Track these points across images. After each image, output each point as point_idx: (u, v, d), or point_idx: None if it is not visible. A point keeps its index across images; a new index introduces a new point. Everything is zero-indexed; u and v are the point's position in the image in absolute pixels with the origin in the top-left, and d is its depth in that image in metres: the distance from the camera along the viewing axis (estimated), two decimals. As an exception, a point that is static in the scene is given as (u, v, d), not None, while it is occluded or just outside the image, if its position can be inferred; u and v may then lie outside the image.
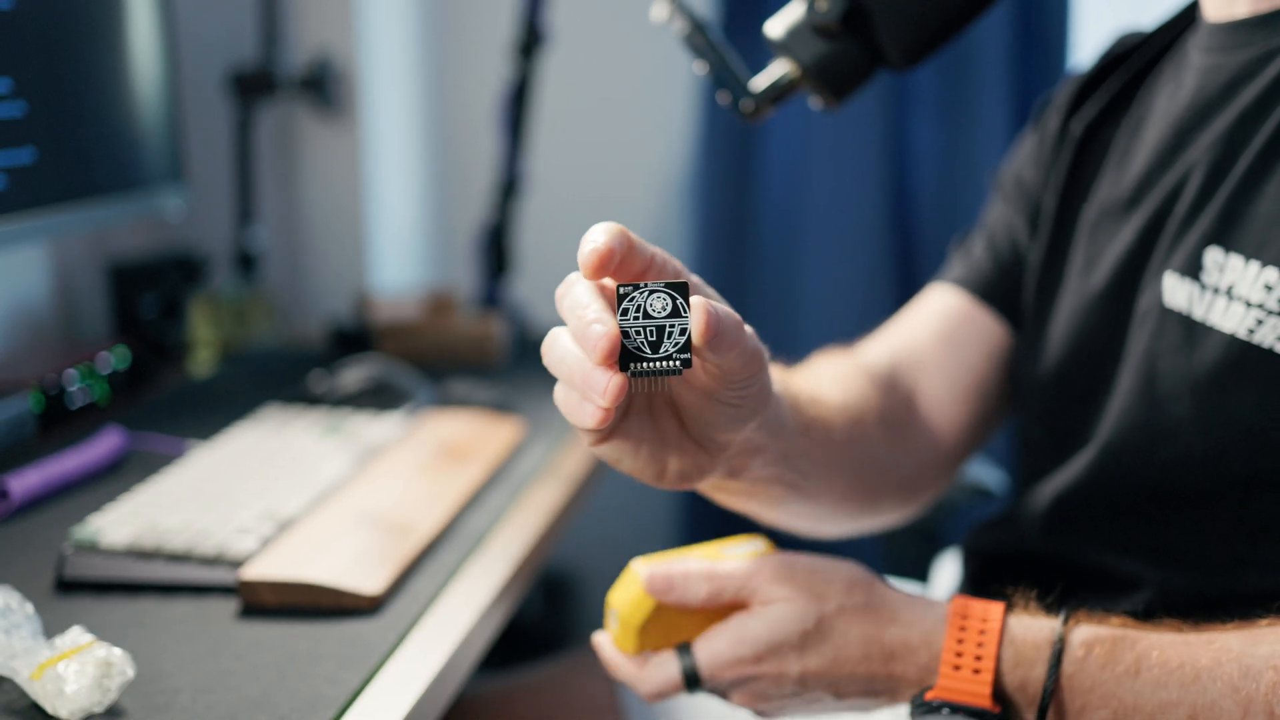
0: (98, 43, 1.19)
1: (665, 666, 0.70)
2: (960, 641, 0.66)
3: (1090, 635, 0.65)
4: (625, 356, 0.53)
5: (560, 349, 0.56)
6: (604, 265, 0.54)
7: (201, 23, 1.63)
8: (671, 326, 0.54)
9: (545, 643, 1.86)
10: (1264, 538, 0.73)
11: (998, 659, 0.65)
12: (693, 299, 0.54)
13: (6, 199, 1.03)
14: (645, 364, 0.53)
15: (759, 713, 0.71)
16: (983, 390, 0.95)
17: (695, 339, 0.53)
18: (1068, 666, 0.65)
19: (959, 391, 0.94)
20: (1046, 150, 0.95)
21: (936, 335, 0.96)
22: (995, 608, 0.67)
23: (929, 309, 0.98)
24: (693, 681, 0.70)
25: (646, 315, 0.54)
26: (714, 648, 0.69)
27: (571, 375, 0.55)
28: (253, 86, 1.56)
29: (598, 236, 0.54)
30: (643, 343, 0.54)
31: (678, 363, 0.54)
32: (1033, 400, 0.90)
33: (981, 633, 0.66)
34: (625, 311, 0.54)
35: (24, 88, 1.06)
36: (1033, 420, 0.91)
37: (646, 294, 0.54)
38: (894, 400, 0.92)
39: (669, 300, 0.54)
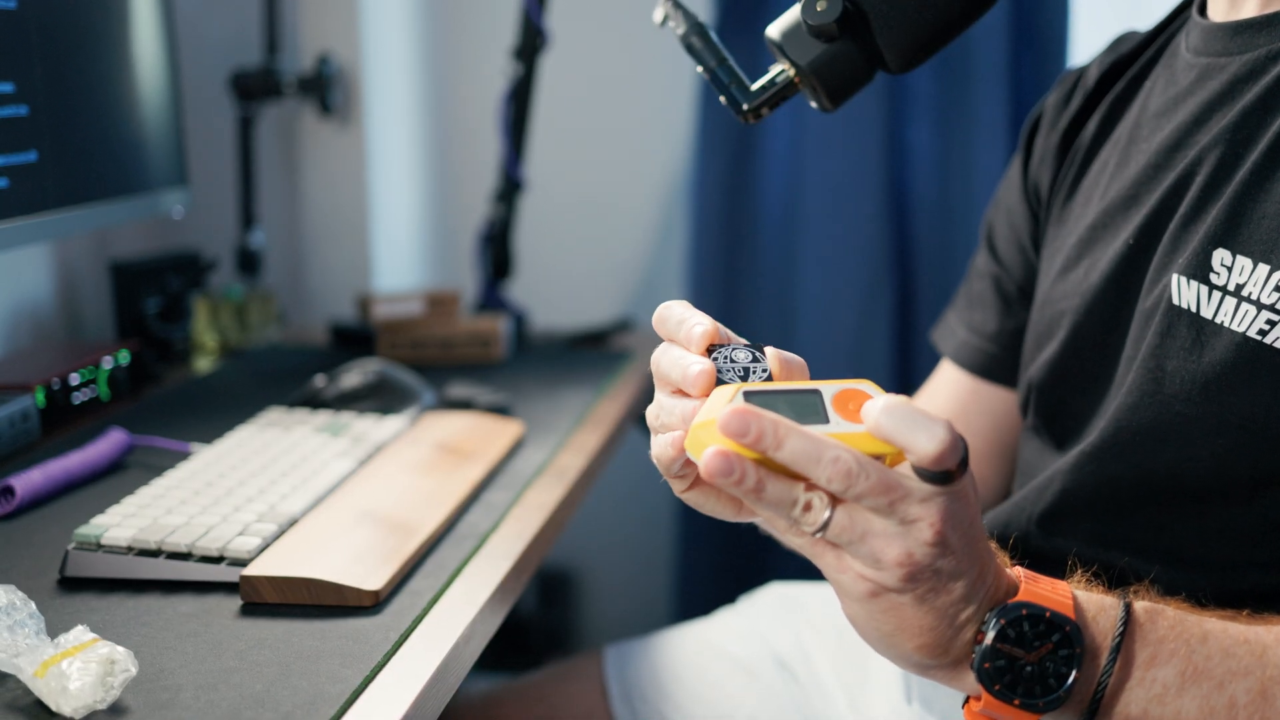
0: (101, 44, 1.19)
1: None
2: (1034, 577, 0.64)
3: (1153, 605, 0.65)
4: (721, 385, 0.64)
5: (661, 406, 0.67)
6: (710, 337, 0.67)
7: (204, 24, 1.63)
8: (754, 366, 0.66)
9: (545, 640, 1.87)
10: (1269, 539, 0.74)
11: (1072, 593, 0.64)
12: (767, 349, 0.66)
13: (10, 200, 1.04)
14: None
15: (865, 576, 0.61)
16: (1000, 451, 1.02)
17: (774, 371, 0.66)
18: (1139, 617, 0.63)
19: (979, 457, 1.00)
20: (1047, 169, 0.96)
21: (955, 415, 1.02)
22: (1058, 580, 0.65)
23: (936, 388, 1.06)
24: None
25: (733, 362, 0.66)
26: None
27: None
28: (255, 88, 1.57)
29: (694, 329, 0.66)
30: (732, 378, 0.65)
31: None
32: (1033, 397, 0.91)
33: (1052, 581, 0.64)
34: (716, 358, 0.66)
35: (27, 89, 1.06)
36: (1033, 417, 0.92)
37: (731, 349, 0.67)
38: None
39: (750, 352, 0.67)
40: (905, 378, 1.69)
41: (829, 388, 0.63)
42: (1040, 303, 0.92)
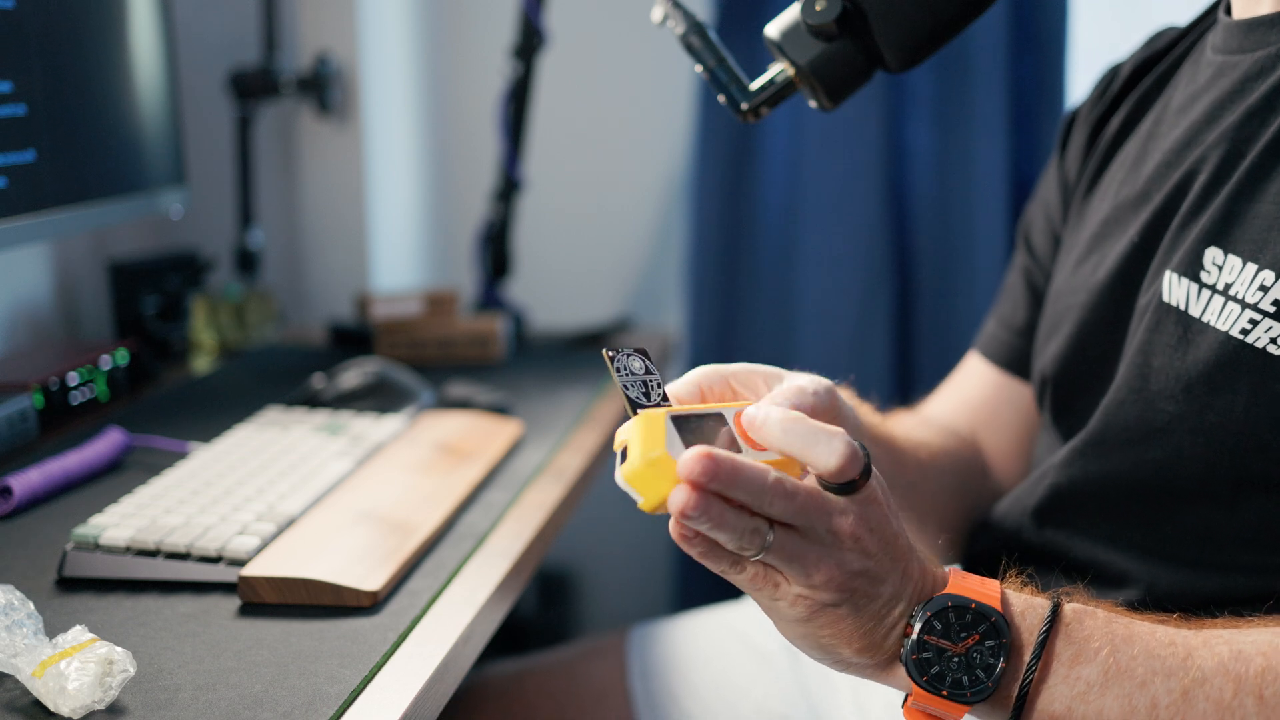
0: (99, 44, 1.19)
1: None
2: (964, 574, 0.66)
3: (1083, 606, 0.66)
4: (632, 405, 0.65)
5: None
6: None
7: (202, 23, 1.63)
8: (650, 379, 0.67)
9: (544, 641, 1.87)
10: (1254, 542, 0.73)
11: (1001, 589, 0.65)
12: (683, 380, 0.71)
13: (8, 199, 1.04)
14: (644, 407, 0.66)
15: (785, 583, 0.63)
16: (1027, 445, 1.02)
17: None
18: (1066, 616, 0.64)
19: (1009, 449, 1.02)
20: (1075, 162, 0.97)
21: (979, 403, 1.03)
22: (989, 578, 0.67)
23: (964, 379, 1.06)
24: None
25: (631, 374, 0.67)
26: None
27: None
28: (253, 87, 1.57)
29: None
30: (639, 395, 0.66)
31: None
32: (1043, 391, 0.91)
33: (982, 579, 0.66)
34: (618, 367, 0.66)
35: (25, 88, 1.06)
36: (1045, 411, 0.92)
37: (625, 355, 0.67)
38: (966, 450, 1.01)
39: (641, 360, 0.67)
40: (905, 377, 1.69)
41: (728, 410, 0.66)
42: (1053, 296, 0.92)
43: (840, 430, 0.61)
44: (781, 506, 0.60)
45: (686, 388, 0.71)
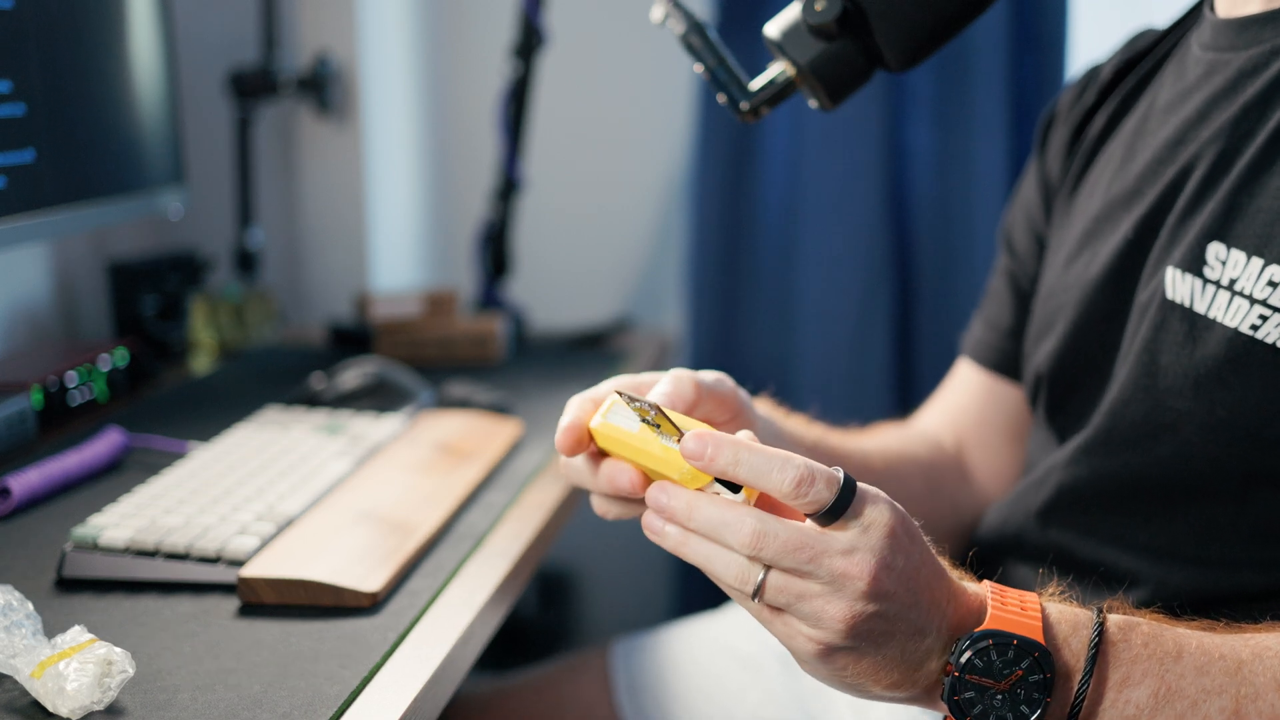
0: (98, 43, 1.19)
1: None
2: (1003, 596, 0.63)
3: (1128, 618, 0.64)
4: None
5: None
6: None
7: (201, 23, 1.63)
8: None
9: (543, 641, 1.87)
10: (1263, 538, 0.73)
11: (1042, 609, 0.63)
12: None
13: (7, 199, 1.04)
14: None
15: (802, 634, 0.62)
16: (1018, 447, 1.02)
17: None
18: (1112, 635, 0.62)
19: (998, 451, 1.02)
20: (1057, 161, 0.97)
21: (966, 409, 1.04)
22: (1028, 594, 0.65)
23: (954, 385, 1.07)
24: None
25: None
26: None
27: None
28: (253, 87, 1.57)
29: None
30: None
31: None
32: (1036, 390, 0.91)
33: (1021, 598, 0.63)
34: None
35: (24, 88, 1.06)
36: (1038, 410, 0.92)
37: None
38: (940, 457, 1.01)
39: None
40: (904, 377, 1.69)
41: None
42: (1044, 295, 0.92)
43: (793, 455, 0.59)
44: (754, 548, 0.58)
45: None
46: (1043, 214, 0.99)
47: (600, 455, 0.70)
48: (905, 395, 1.65)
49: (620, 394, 0.66)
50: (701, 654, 1.08)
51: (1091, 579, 0.79)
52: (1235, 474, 0.73)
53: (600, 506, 0.73)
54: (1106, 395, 0.81)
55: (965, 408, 1.04)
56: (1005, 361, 1.01)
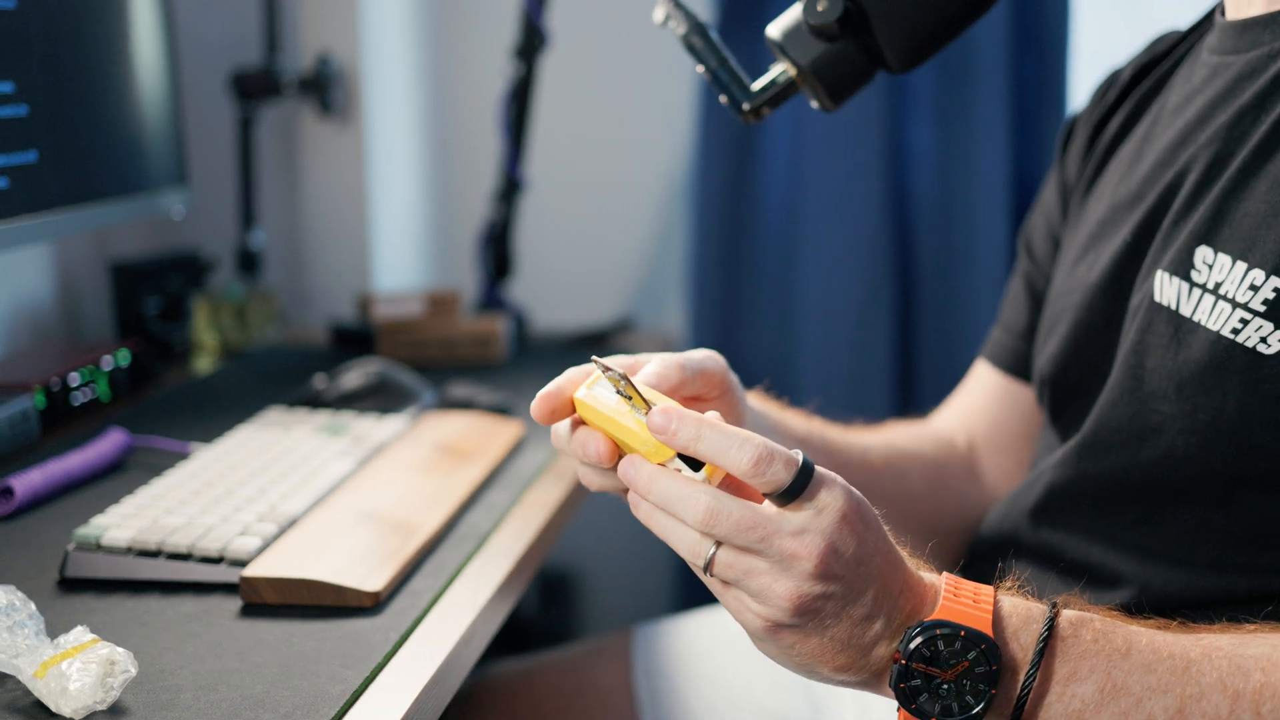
0: (100, 44, 1.19)
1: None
2: (957, 587, 0.64)
3: (1081, 614, 0.64)
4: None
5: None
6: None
7: (204, 24, 1.63)
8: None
9: (546, 641, 1.87)
10: (1251, 541, 0.73)
11: (995, 602, 0.63)
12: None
13: (10, 200, 1.04)
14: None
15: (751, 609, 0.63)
16: (1032, 446, 1.01)
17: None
18: (1063, 630, 0.63)
19: (1013, 452, 1.02)
20: (1075, 164, 0.97)
21: (980, 409, 1.04)
22: (984, 586, 0.66)
23: (971, 384, 1.07)
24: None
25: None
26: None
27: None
28: (255, 87, 1.57)
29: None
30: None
31: None
32: (1042, 392, 0.91)
33: (975, 591, 0.64)
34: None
35: (27, 89, 1.06)
36: (1044, 412, 0.92)
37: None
38: (949, 455, 1.01)
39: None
40: (906, 377, 1.69)
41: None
42: (1051, 297, 0.93)
43: (754, 435, 0.61)
44: (707, 524, 0.60)
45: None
46: (1060, 216, 0.99)
47: (582, 424, 0.72)
48: (906, 395, 1.65)
49: (599, 363, 0.67)
50: (718, 641, 1.10)
51: (1080, 579, 0.79)
52: (1221, 477, 0.73)
53: (585, 476, 0.74)
54: (1101, 398, 0.81)
55: (980, 408, 1.04)
56: (1019, 363, 1.01)
